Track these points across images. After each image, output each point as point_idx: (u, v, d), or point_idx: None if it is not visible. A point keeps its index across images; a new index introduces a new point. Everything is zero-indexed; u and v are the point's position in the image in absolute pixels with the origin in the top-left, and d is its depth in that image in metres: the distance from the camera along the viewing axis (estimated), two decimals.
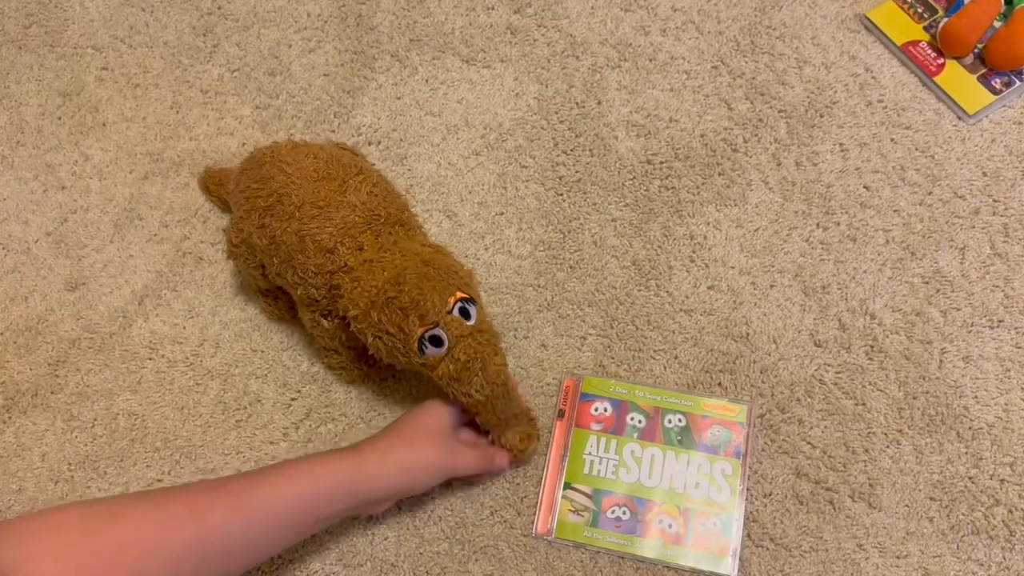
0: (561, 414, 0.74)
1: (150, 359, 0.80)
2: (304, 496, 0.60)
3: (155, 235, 0.85)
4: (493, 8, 0.94)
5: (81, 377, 0.79)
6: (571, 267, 0.81)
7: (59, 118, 0.93)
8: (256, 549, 0.60)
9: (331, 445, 0.75)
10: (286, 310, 0.78)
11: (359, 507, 0.64)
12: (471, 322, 0.63)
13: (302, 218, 0.66)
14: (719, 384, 0.75)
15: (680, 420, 0.73)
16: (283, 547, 0.63)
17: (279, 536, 0.61)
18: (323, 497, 0.61)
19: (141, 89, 0.94)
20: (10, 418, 0.78)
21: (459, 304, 0.62)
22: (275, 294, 0.77)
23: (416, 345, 0.62)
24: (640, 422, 0.73)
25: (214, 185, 0.84)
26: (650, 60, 0.90)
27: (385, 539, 0.71)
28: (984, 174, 0.82)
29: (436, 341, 0.62)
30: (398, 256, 0.64)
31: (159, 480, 0.74)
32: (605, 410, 0.74)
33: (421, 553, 0.71)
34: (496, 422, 0.68)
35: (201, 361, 0.79)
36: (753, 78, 0.88)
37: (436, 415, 0.67)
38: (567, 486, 0.72)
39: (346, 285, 0.64)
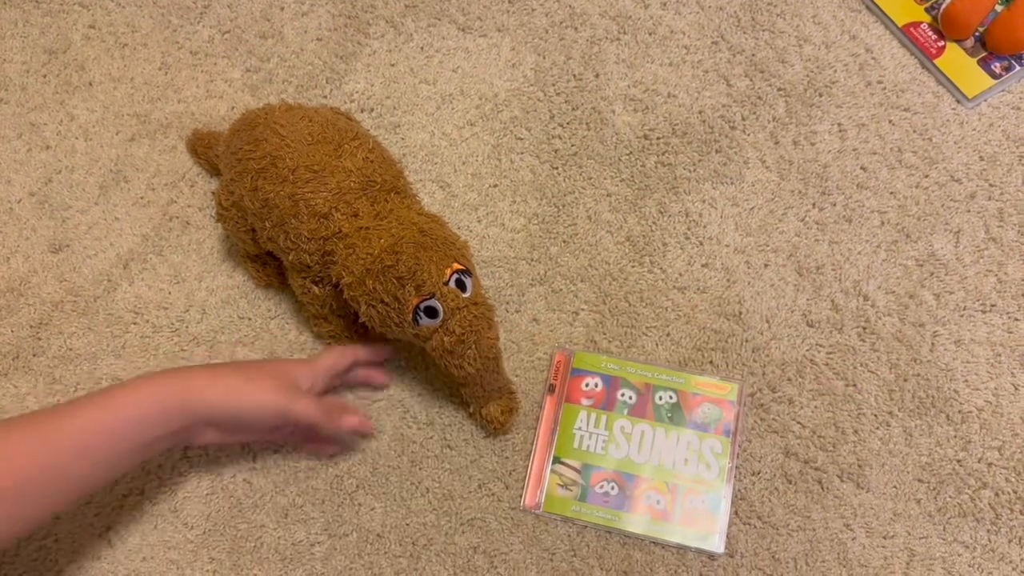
0: (552, 389, 0.74)
1: (134, 324, 0.78)
2: (123, 421, 0.58)
3: (141, 198, 0.84)
4: None
5: (64, 340, 0.78)
6: (565, 241, 0.80)
7: (44, 76, 0.91)
8: (75, 481, 0.57)
9: None
10: (275, 276, 0.77)
11: (183, 432, 0.61)
12: (467, 294, 0.62)
13: (296, 181, 0.65)
14: (710, 362, 0.75)
15: (671, 397, 0.73)
16: (109, 476, 0.60)
17: (98, 466, 0.58)
18: (143, 419, 0.59)
19: (129, 49, 0.92)
20: None
21: (456, 276, 0.61)
22: (264, 260, 0.76)
23: (411, 315, 0.61)
24: (631, 398, 0.73)
25: (203, 148, 0.82)
26: (649, 34, 0.89)
27: (372, 510, 0.71)
28: (981, 158, 0.81)
29: (431, 312, 0.61)
30: (395, 224, 0.63)
31: None
32: (596, 385, 0.74)
33: (407, 524, 0.70)
34: (480, 394, 0.67)
35: (187, 327, 0.78)
36: (753, 55, 0.87)
37: (293, 368, 0.67)
38: (556, 460, 0.71)
39: (340, 252, 0.63)
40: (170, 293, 0.79)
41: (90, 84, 0.90)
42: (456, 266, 0.61)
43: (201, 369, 0.64)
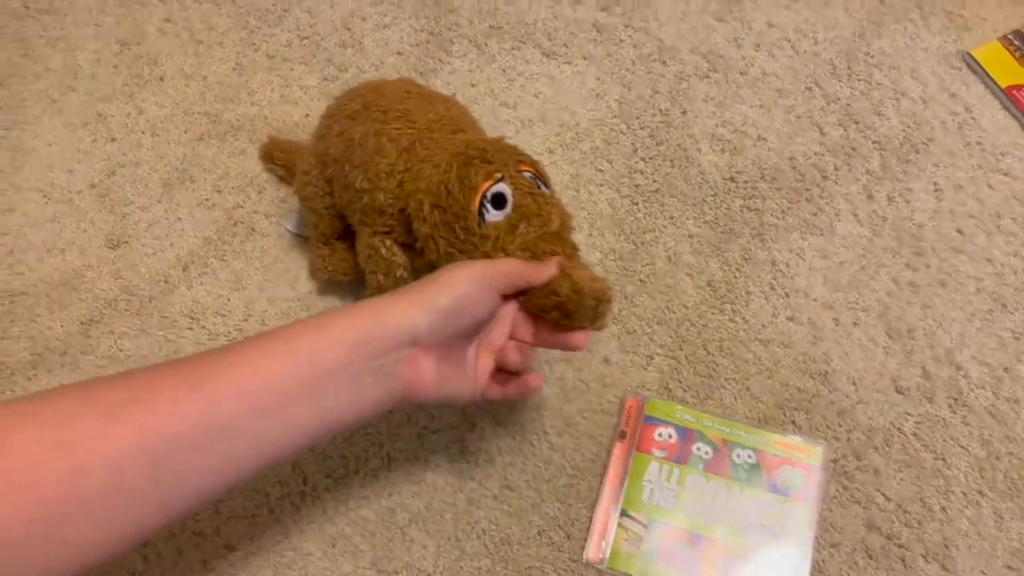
0: (622, 435, 0.70)
1: (190, 329, 0.75)
2: (304, 368, 0.45)
3: (206, 199, 0.81)
4: (580, 3, 0.90)
5: (115, 340, 0.75)
6: (642, 281, 0.77)
7: (115, 66, 0.89)
8: (242, 447, 0.44)
9: (374, 443, 0.71)
10: (342, 264, 0.74)
11: (383, 355, 0.48)
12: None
13: (385, 120, 0.64)
14: (793, 422, 0.71)
15: (750, 456, 0.68)
16: (291, 447, 0.46)
17: (275, 426, 0.45)
18: (332, 365, 0.46)
19: (204, 46, 0.90)
20: (35, 375, 0.73)
21: (531, 174, 0.58)
22: (333, 245, 0.73)
23: (478, 207, 0.56)
24: (707, 453, 0.69)
25: (280, 153, 0.79)
26: (741, 74, 0.86)
27: (424, 547, 0.67)
28: None
29: (499, 201, 0.56)
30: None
31: None
32: (670, 436, 0.69)
33: (460, 567, 0.66)
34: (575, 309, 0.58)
35: (244, 337, 0.75)
36: (848, 105, 0.84)
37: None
38: (623, 513, 0.67)
39: (415, 169, 0.61)
40: (229, 300, 0.76)
41: (161, 79, 0.88)
42: (532, 168, 0.58)
43: (397, 294, 0.52)
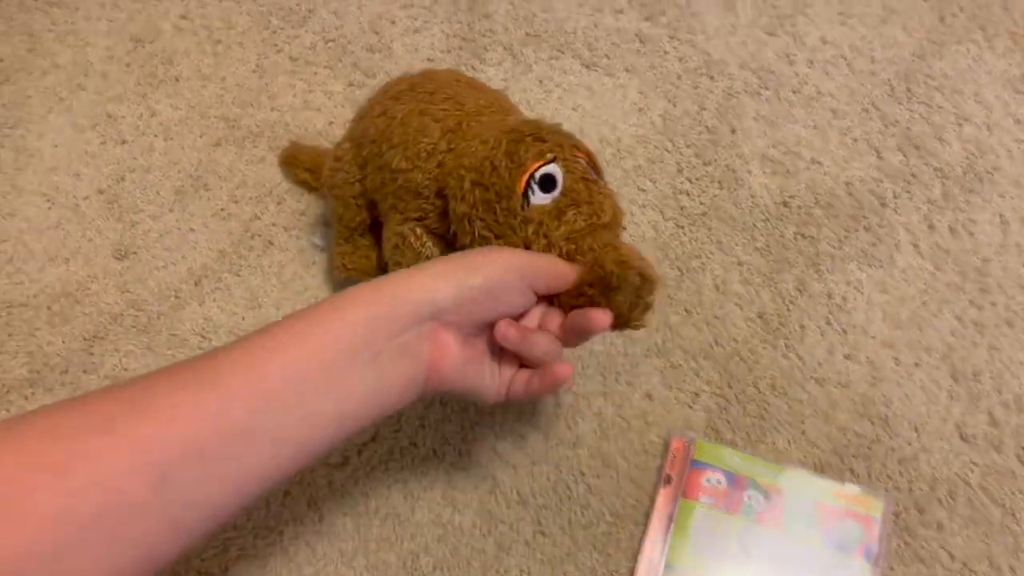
0: (667, 480, 0.64)
1: (200, 349, 0.70)
2: (319, 356, 0.41)
3: (222, 210, 0.76)
4: (622, 12, 0.85)
5: (119, 359, 0.69)
6: (687, 311, 0.71)
7: (128, 65, 0.84)
8: (257, 450, 0.39)
9: (397, 480, 0.65)
10: (361, 263, 0.69)
11: (406, 331, 0.44)
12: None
13: (432, 101, 0.59)
14: (851, 470, 0.66)
15: (806, 506, 0.63)
16: (310, 448, 0.41)
17: (289, 423, 0.40)
18: (348, 348, 0.42)
19: (223, 46, 0.85)
20: (33, 394, 0.68)
21: (586, 162, 0.53)
22: (355, 242, 0.68)
23: (523, 186, 0.50)
24: (758, 502, 0.63)
25: (305, 157, 0.74)
26: (794, 92, 0.81)
27: None
28: None
29: (548, 183, 0.51)
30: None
31: None
32: (718, 482, 0.64)
33: None
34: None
35: None
36: (907, 128, 0.79)
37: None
38: (668, 566, 0.61)
39: (458, 148, 0.56)
40: (243, 319, 0.71)
41: (176, 79, 0.83)
42: (588, 157, 0.53)
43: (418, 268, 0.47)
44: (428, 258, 0.60)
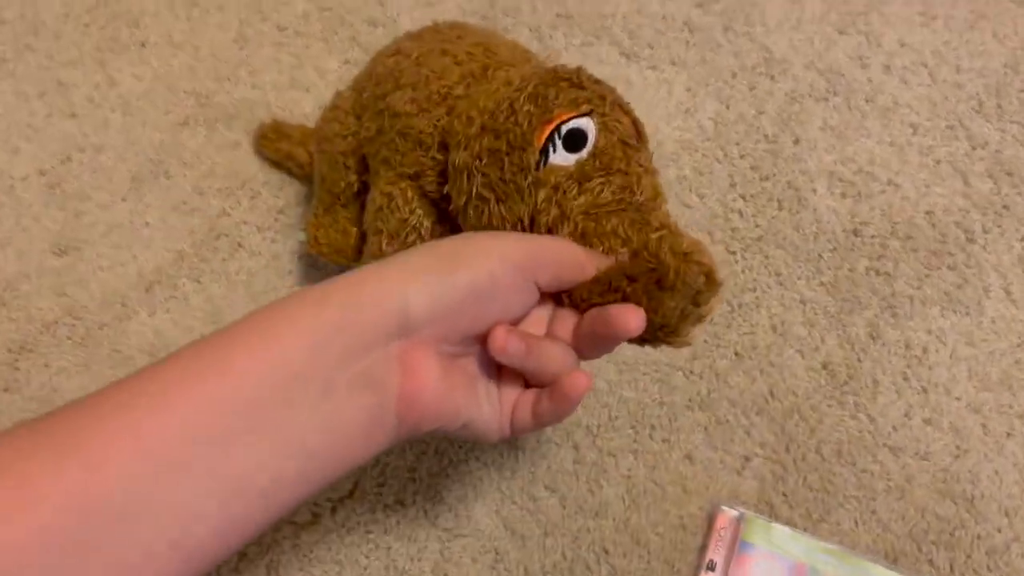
0: (711, 567, 0.53)
1: None
2: (241, 391, 0.30)
3: (184, 202, 0.63)
4: None
5: (49, 376, 0.57)
6: (738, 354, 0.60)
7: (86, 25, 0.71)
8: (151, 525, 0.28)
9: (379, 547, 0.53)
10: (337, 239, 0.57)
11: (386, 342, 0.33)
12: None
13: (459, 42, 0.49)
14: (930, 561, 0.54)
15: None
16: (238, 517, 0.30)
17: (200, 486, 0.29)
18: (284, 380, 0.30)
19: (199, 9, 0.72)
20: None
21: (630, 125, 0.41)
22: (334, 214, 0.57)
23: (543, 141, 0.39)
24: None
25: (291, 131, 0.63)
26: (867, 101, 0.69)
27: None
28: None
29: (575, 140, 0.39)
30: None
31: None
32: (773, 572, 0.52)
33: None
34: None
35: None
36: (998, 152, 0.67)
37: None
38: None
39: (478, 92, 0.45)
40: (201, 335, 0.58)
41: (142, 44, 0.71)
42: (633, 121, 0.41)
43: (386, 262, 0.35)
44: (414, 229, 0.48)
